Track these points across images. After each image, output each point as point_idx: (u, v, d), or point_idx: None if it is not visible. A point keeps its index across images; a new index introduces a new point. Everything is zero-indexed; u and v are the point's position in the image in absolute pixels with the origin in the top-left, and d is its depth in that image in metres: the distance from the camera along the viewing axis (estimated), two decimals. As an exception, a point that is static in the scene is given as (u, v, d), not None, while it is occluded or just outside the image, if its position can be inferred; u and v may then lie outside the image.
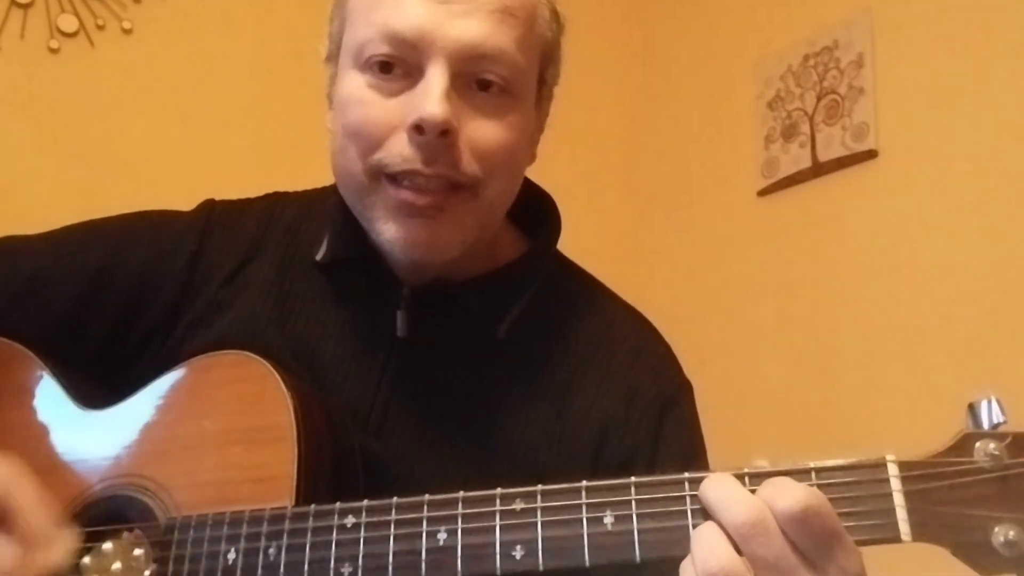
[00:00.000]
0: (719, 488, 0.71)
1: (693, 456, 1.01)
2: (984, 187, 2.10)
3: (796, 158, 2.55)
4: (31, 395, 1.03)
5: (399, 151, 0.90)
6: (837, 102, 2.45)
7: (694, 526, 0.71)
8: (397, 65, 0.91)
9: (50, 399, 1.02)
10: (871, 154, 2.34)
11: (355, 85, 0.93)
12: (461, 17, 0.89)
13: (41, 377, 1.03)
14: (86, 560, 0.93)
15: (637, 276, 2.86)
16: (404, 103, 0.90)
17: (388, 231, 0.93)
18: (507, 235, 1.08)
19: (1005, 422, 0.69)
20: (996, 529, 0.67)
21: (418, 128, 0.88)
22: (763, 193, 2.64)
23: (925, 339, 2.17)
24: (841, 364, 2.37)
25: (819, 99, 2.50)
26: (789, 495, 0.68)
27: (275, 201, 1.14)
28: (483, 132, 0.92)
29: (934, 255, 2.18)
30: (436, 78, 0.88)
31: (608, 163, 3.03)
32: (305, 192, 1.16)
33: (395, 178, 0.91)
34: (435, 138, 0.88)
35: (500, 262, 1.05)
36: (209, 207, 1.12)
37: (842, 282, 2.40)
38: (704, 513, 0.71)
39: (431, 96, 0.87)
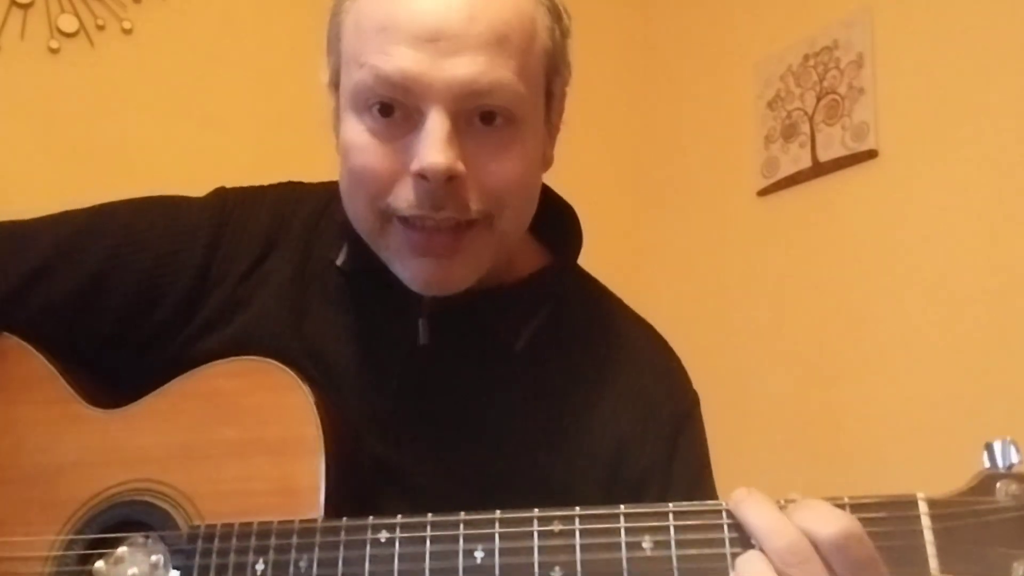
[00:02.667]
0: (761, 514, 0.72)
1: (702, 470, 1.04)
2: (984, 187, 2.11)
3: (796, 158, 2.55)
4: (38, 392, 1.01)
5: (406, 197, 0.89)
6: (837, 102, 2.45)
7: (732, 555, 0.72)
8: (397, 108, 0.88)
9: (57, 397, 1.00)
10: (871, 154, 2.35)
11: (356, 131, 0.91)
12: (452, 55, 0.85)
13: (48, 374, 1.01)
14: (100, 564, 0.92)
15: (637, 276, 2.86)
16: (407, 148, 0.88)
17: (404, 271, 0.93)
18: (527, 247, 1.07)
19: (1020, 462, 0.73)
20: (1015, 565, 0.71)
21: (422, 176, 0.86)
22: (763, 193, 2.65)
23: (925, 339, 2.18)
24: (840, 364, 2.38)
25: (819, 99, 2.51)
26: (830, 521, 0.70)
27: (290, 192, 1.12)
28: (491, 169, 0.89)
29: (934, 255, 2.19)
30: (436, 124, 0.86)
31: (608, 163, 3.03)
32: (322, 185, 1.12)
33: (406, 219, 0.90)
34: (440, 185, 0.86)
35: (520, 274, 1.04)
36: (222, 196, 1.09)
37: (842, 282, 2.41)
38: (742, 542, 0.72)
39: (433, 144, 0.85)
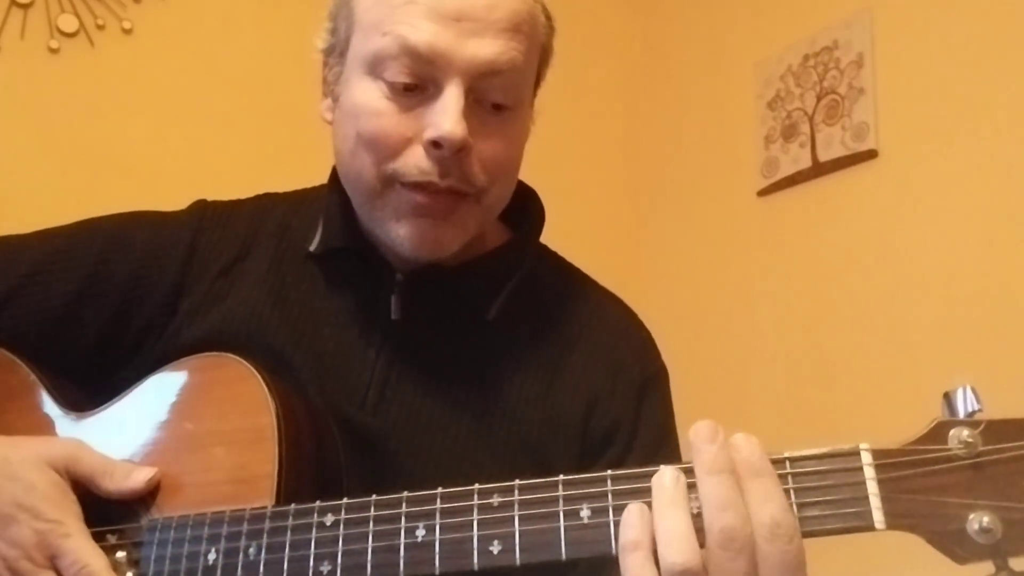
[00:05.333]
0: (717, 489, 0.69)
1: (668, 434, 1.07)
2: (984, 187, 2.10)
3: (796, 158, 2.54)
4: (17, 399, 1.03)
5: (415, 163, 0.94)
6: (837, 102, 2.44)
7: None
8: (415, 79, 0.94)
9: (36, 404, 1.03)
10: (871, 154, 2.34)
11: (371, 95, 0.96)
12: (475, 36, 0.92)
13: (27, 382, 1.04)
14: None
15: (637, 276, 2.86)
16: (420, 116, 0.94)
17: (399, 229, 0.97)
18: (493, 226, 1.11)
19: (980, 410, 0.68)
20: (971, 516, 0.66)
21: (436, 144, 0.92)
22: (763, 193, 2.64)
23: (924, 339, 2.16)
24: (840, 364, 2.37)
25: (819, 99, 2.50)
26: (771, 511, 0.67)
27: (265, 200, 1.17)
28: (492, 147, 0.96)
29: (934, 255, 2.18)
30: (453, 97, 0.92)
31: (608, 163, 3.03)
32: (294, 191, 1.19)
33: (410, 184, 0.95)
34: (452, 154, 0.93)
35: (487, 248, 1.09)
36: (201, 206, 1.14)
37: (842, 282, 2.39)
38: None
39: (450, 115, 0.92)
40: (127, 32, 2.41)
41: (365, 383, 1.03)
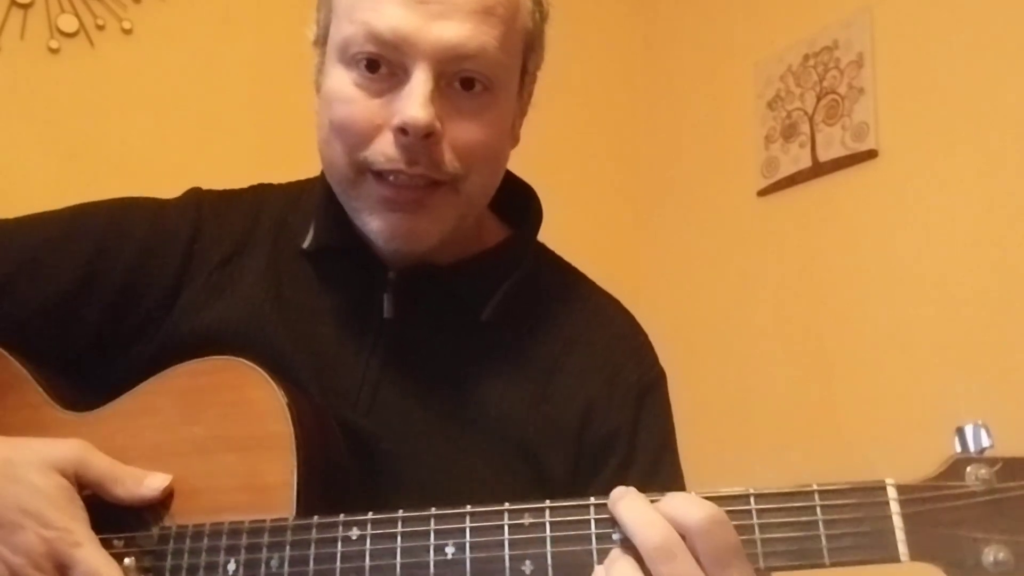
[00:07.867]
0: (632, 510, 0.74)
1: (667, 442, 1.06)
2: (984, 187, 2.10)
3: (796, 158, 2.55)
4: (12, 397, 1.00)
5: (383, 150, 0.92)
6: (837, 102, 2.45)
7: None
8: (383, 64, 0.92)
9: (30, 401, 1.00)
10: (871, 154, 2.34)
11: (342, 82, 0.94)
12: (441, 18, 0.90)
13: (18, 376, 1.01)
14: None
15: (637, 276, 2.86)
16: (389, 103, 0.92)
17: (371, 222, 0.96)
18: (491, 224, 1.10)
19: (992, 447, 0.73)
20: (986, 550, 0.70)
21: (402, 130, 0.90)
22: (763, 193, 2.64)
23: (924, 339, 2.17)
24: (839, 364, 2.38)
25: (819, 99, 2.50)
26: (697, 508, 0.72)
27: (262, 192, 1.15)
28: (465, 132, 0.94)
29: (934, 255, 2.18)
30: (420, 81, 0.90)
31: (608, 163, 3.03)
32: (291, 183, 1.17)
33: (379, 174, 0.94)
34: (419, 140, 0.91)
35: (485, 246, 1.07)
36: (198, 195, 1.12)
37: (841, 282, 2.40)
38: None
39: (415, 100, 0.90)
40: (127, 32, 2.40)
41: (358, 383, 1.01)
